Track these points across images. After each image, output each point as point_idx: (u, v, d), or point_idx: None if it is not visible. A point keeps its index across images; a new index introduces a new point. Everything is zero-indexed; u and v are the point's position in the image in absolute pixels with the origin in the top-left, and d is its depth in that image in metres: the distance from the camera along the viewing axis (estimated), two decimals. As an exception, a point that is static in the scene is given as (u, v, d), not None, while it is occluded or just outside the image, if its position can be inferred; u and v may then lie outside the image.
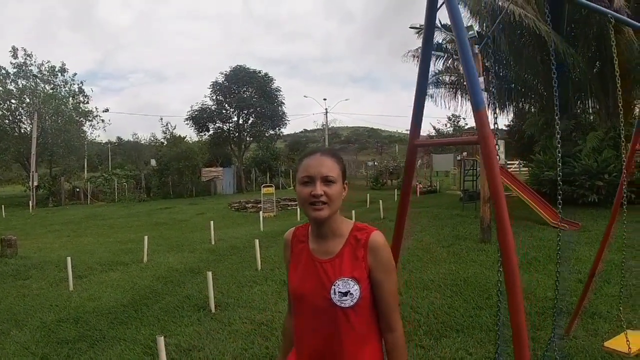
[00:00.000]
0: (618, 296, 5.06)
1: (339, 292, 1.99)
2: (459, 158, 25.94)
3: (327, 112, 55.45)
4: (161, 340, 4.55)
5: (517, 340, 2.13)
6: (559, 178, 3.27)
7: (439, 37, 21.05)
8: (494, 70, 20.99)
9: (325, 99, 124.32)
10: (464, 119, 49.27)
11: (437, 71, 22.26)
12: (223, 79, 45.17)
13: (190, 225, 20.19)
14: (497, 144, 2.50)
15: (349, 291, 1.98)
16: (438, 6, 2.61)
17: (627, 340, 4.18)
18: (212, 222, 14.45)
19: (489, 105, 16.75)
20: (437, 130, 53.87)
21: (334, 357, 2.03)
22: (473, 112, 2.35)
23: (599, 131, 17.02)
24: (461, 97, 22.02)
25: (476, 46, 12.27)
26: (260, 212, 19.10)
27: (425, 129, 64.71)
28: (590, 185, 15.72)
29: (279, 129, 48.06)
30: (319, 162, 2.02)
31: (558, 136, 3.46)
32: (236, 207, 26.91)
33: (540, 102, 20.40)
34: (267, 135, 47.72)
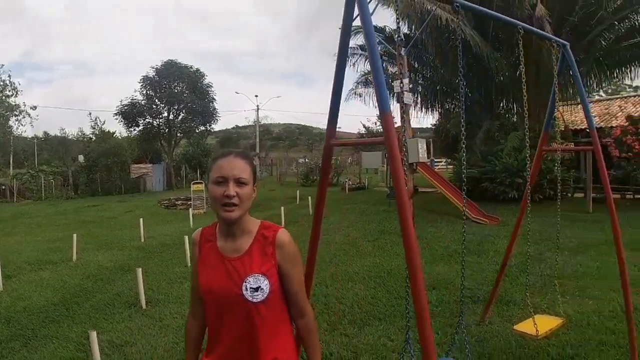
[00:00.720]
0: (526, 284, 5.43)
1: (250, 288, 2.05)
2: (387, 156, 26.62)
3: (258, 109, 55.17)
4: (94, 335, 4.57)
5: (421, 323, 2.27)
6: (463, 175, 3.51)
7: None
8: (420, 72, 21.68)
9: (256, 96, 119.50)
10: (393, 117, 49.96)
11: (366, 71, 22.70)
12: (154, 74, 44.27)
13: (119, 222, 19.80)
14: (404, 145, 2.70)
15: (260, 286, 2.06)
16: (353, 17, 2.78)
17: (535, 324, 4.50)
18: (141, 220, 14.29)
19: (416, 104, 17.35)
20: (367, 129, 54.43)
21: (249, 351, 2.09)
22: (380, 114, 2.52)
23: (520, 131, 17.87)
24: (390, 96, 22.48)
25: (403, 49, 12.64)
26: (190, 209, 18.94)
27: (356, 127, 65.67)
28: (510, 182, 16.51)
29: (210, 125, 47.61)
30: (232, 164, 2.07)
31: (463, 137, 3.71)
32: (166, 205, 26.52)
33: (465, 103, 21.10)
34: (197, 131, 47.15)
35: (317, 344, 2.26)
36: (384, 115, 2.49)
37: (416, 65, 21.74)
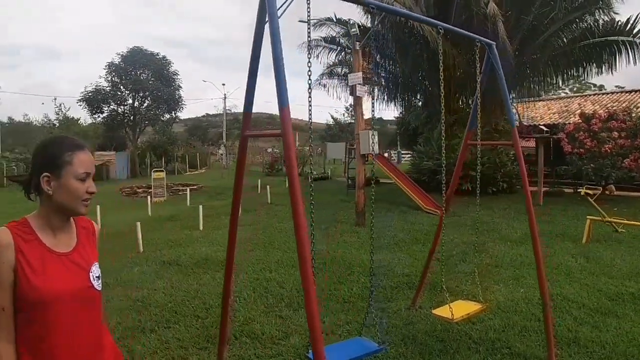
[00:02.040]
0: (441, 270, 5.69)
1: (95, 277, 2.04)
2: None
3: (225, 97, 54.95)
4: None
5: (308, 303, 2.55)
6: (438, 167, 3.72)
7: (332, 31, 21.76)
8: (383, 65, 21.95)
9: (223, 84, 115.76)
10: (401, 112, 49.97)
11: (330, 63, 22.99)
12: (119, 60, 43.79)
13: (77, 210, 19.50)
14: (357, 137, 2.89)
15: (99, 275, 2.09)
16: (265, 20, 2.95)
17: (450, 308, 4.79)
18: (98, 207, 14.26)
19: (377, 97, 17.61)
20: (335, 120, 54.81)
21: (97, 345, 2.08)
22: (279, 109, 2.70)
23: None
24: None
25: (357, 43, 12.89)
26: (149, 197, 18.95)
27: (324, 119, 65.60)
28: (464, 174, 16.87)
29: (175, 113, 47.27)
30: (90, 158, 2.04)
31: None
32: (127, 192, 26.40)
33: (425, 97, 21.57)
34: (163, 119, 46.79)
35: None
36: (282, 110, 2.67)
37: (379, 59, 22.02)
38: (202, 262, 8.80)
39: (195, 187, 26.57)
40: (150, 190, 23.31)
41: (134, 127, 45.24)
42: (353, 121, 55.76)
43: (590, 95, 31.54)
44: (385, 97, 23.01)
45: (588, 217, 10.44)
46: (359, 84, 12.45)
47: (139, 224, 10.25)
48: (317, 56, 22.35)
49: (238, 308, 6.19)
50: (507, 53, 16.20)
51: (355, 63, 12.92)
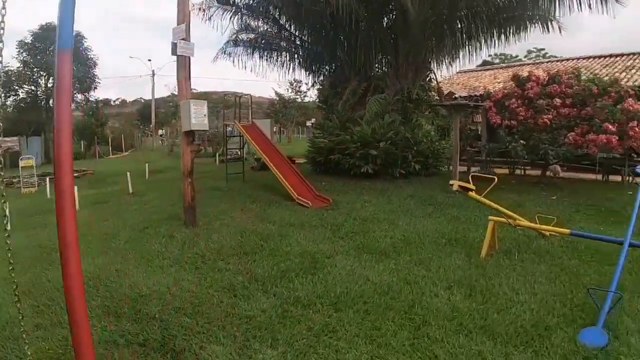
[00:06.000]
0: None
1: None
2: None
3: (154, 74, 50.24)
4: None
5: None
6: None
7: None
8: (282, 27, 18.43)
9: (150, 60, 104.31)
10: (305, 84, 45.77)
11: (235, 30, 19.34)
12: (32, 38, 39.37)
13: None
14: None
15: None
16: None
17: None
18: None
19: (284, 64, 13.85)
20: (279, 95, 50.63)
21: None
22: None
23: (384, 94, 14.69)
24: (259, 56, 19.38)
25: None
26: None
27: (267, 94, 61.57)
28: (362, 154, 13.29)
29: (89, 93, 42.84)
30: None
31: None
32: (7, 183, 22.39)
33: (331, 64, 17.92)
34: (77, 99, 42.32)
35: None
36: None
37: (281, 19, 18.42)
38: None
39: (81, 173, 22.74)
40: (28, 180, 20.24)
41: (49, 110, 40.76)
42: (297, 97, 52.13)
43: (543, 62, 28.10)
44: (294, 65, 19.35)
45: (490, 218, 6.76)
46: (183, 39, 8.79)
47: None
48: (210, 18, 18.45)
49: None
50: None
51: (181, 12, 9.06)
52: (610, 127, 11.50)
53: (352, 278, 5.88)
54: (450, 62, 17.38)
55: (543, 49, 48.78)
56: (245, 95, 16.10)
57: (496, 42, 16.31)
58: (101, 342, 4.40)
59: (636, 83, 16.18)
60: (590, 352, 4.00)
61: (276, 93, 51.12)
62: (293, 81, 48.13)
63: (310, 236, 7.96)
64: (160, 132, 54.56)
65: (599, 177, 15.02)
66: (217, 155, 25.44)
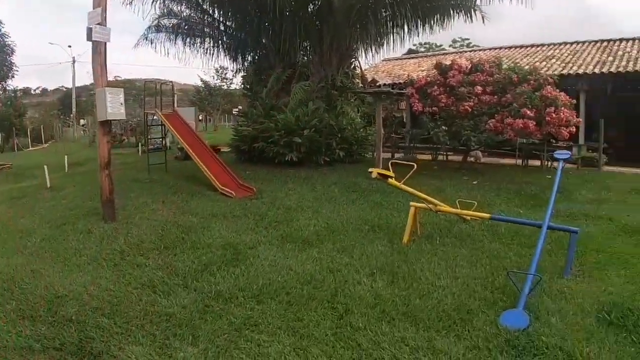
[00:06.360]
0: None
1: None
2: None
3: (74, 61, 47.86)
4: None
5: None
6: None
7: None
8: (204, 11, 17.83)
9: (70, 46, 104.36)
10: (232, 71, 44.59)
11: (157, 15, 18.49)
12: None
13: None
14: None
15: None
16: None
17: None
18: None
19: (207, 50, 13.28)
20: (205, 83, 49.37)
21: None
22: None
23: (308, 82, 14.52)
24: (182, 42, 18.64)
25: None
26: None
27: (193, 81, 60.07)
28: (286, 142, 13.08)
29: (6, 82, 40.54)
30: None
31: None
32: None
33: (256, 51, 17.54)
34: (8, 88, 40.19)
35: None
36: None
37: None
38: None
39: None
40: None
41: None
42: (224, 84, 50.92)
43: (467, 51, 28.69)
44: (218, 51, 18.73)
45: (411, 204, 6.70)
46: (99, 24, 8.24)
47: None
48: (131, 2, 17.55)
49: None
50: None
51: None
52: (527, 112, 11.78)
53: (275, 269, 5.69)
54: (375, 50, 17.37)
55: (467, 39, 50.16)
56: (168, 82, 15.53)
57: (420, 30, 16.45)
58: (16, 348, 4.11)
59: (555, 72, 16.67)
60: (511, 334, 3.98)
61: (202, 80, 49.93)
62: (219, 68, 47.13)
63: (233, 227, 7.70)
64: (82, 122, 52.21)
65: (519, 162, 15.44)
66: (139, 145, 24.53)
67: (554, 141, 14.37)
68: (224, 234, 7.25)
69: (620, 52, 18.77)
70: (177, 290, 5.13)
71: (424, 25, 16.11)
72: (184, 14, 18.49)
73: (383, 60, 26.44)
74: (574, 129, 12.81)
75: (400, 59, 28.45)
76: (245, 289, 5.10)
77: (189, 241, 6.92)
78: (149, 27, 18.93)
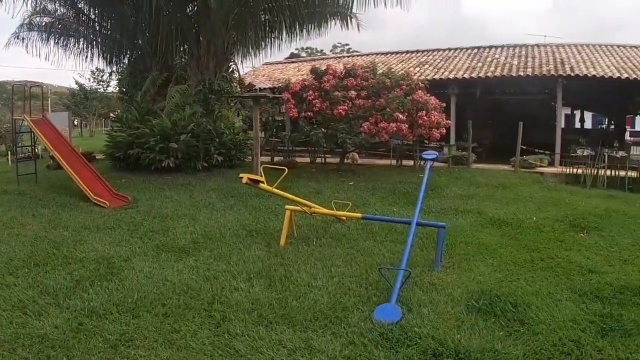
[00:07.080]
0: None
1: None
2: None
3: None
4: None
5: None
6: None
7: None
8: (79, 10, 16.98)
9: None
10: (108, 73, 42.38)
11: (30, 12, 17.28)
12: None
13: None
14: None
15: None
16: None
17: None
18: None
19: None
20: (80, 85, 46.79)
21: None
22: None
23: (184, 85, 14.27)
24: (54, 42, 17.54)
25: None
26: None
27: (68, 83, 56.54)
28: (163, 148, 12.74)
29: None
30: None
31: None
32: None
33: (132, 53, 16.96)
34: None
35: None
36: None
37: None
38: None
39: None
40: None
41: None
42: (100, 87, 48.15)
43: (345, 56, 29.47)
44: (93, 52, 17.85)
45: (287, 207, 6.76)
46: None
47: None
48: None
49: None
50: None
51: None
52: (400, 116, 12.27)
53: (150, 280, 5.48)
54: (255, 54, 17.47)
55: (347, 44, 52.08)
56: (37, 84, 14.53)
57: (299, 35, 16.81)
58: None
59: (428, 77, 17.55)
60: (385, 328, 4.10)
61: (77, 83, 47.27)
62: (95, 70, 44.80)
63: (106, 239, 7.32)
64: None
65: (394, 162, 16.10)
66: (9, 154, 22.74)
67: (426, 142, 15.11)
68: (97, 247, 6.88)
69: (489, 59, 20.15)
70: (49, 310, 4.79)
71: (302, 31, 16.51)
72: (58, 12, 17.55)
73: (264, 64, 26.57)
74: (445, 130, 13.61)
75: (282, 63, 28.72)
76: (119, 303, 4.87)
77: (60, 257, 6.47)
78: (21, 25, 17.74)
